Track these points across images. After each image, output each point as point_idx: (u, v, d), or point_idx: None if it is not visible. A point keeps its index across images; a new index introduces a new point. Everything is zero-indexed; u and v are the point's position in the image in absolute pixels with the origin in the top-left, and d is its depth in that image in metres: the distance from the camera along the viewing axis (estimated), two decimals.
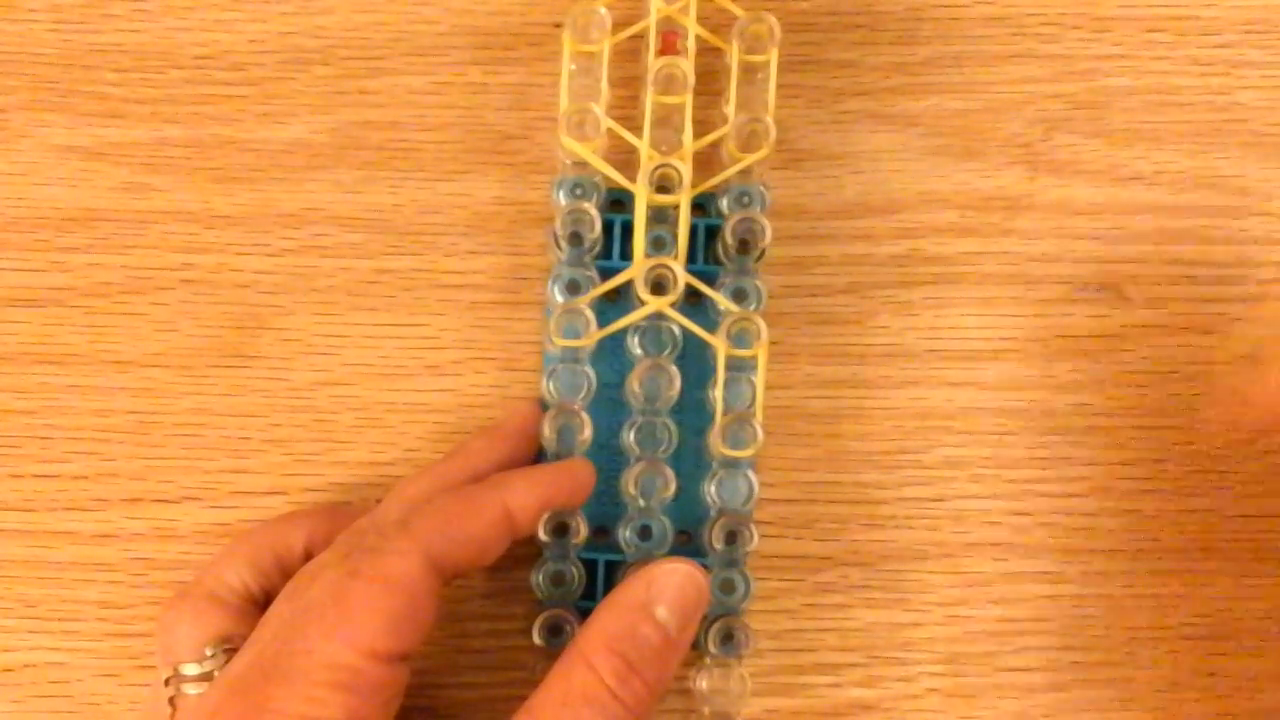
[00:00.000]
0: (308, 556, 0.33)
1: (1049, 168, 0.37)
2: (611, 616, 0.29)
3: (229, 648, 0.30)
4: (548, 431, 0.33)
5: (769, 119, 0.34)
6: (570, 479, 0.32)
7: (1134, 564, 0.36)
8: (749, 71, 0.34)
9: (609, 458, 0.34)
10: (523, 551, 0.34)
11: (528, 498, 0.30)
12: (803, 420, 0.36)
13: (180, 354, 0.36)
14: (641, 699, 0.29)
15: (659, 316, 0.34)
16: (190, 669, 0.31)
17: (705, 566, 0.33)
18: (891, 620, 0.36)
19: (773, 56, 0.34)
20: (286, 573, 0.32)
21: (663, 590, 0.30)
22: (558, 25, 0.37)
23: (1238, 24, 0.37)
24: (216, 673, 0.30)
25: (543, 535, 0.32)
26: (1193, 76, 0.37)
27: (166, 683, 0.31)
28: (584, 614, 0.33)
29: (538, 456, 0.34)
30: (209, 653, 0.30)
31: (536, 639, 0.33)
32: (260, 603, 0.32)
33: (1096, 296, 0.37)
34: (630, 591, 0.30)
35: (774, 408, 0.36)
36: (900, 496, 0.36)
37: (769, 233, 0.34)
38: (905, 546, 0.36)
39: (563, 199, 0.34)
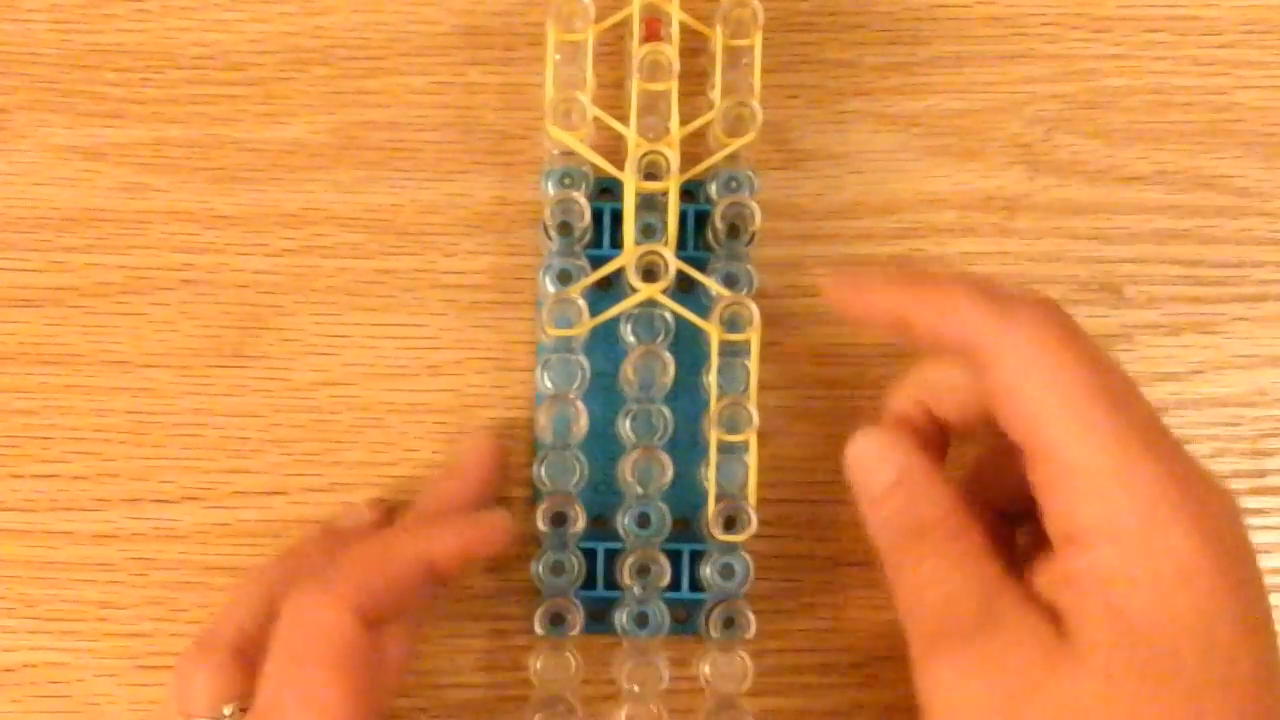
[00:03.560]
0: None
1: (1049, 168, 0.37)
2: None
3: (245, 706, 0.30)
4: (543, 422, 0.33)
5: (755, 103, 0.34)
6: (488, 532, 0.31)
7: None
8: (734, 56, 0.34)
9: (605, 446, 0.34)
10: (521, 551, 0.34)
11: (452, 546, 0.31)
12: (803, 420, 0.36)
13: (180, 354, 0.36)
14: None
15: (651, 304, 0.34)
16: None
17: (704, 552, 0.34)
18: (891, 620, 0.35)
19: (756, 40, 0.34)
20: None
21: None
22: None
23: (1238, 24, 0.37)
24: None
25: (541, 525, 0.32)
26: (1193, 76, 0.37)
27: None
28: (585, 603, 0.33)
29: (534, 448, 0.35)
30: (226, 711, 0.30)
31: (538, 628, 0.33)
32: None
33: (1096, 296, 0.37)
34: None
35: (775, 408, 0.36)
36: None
37: (758, 216, 0.34)
38: None
39: (551, 189, 0.34)
